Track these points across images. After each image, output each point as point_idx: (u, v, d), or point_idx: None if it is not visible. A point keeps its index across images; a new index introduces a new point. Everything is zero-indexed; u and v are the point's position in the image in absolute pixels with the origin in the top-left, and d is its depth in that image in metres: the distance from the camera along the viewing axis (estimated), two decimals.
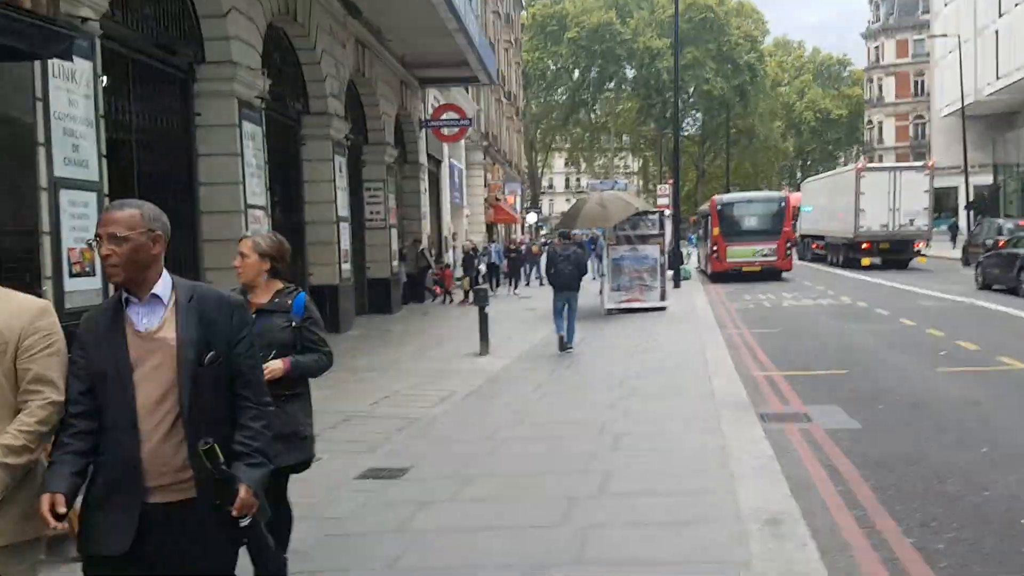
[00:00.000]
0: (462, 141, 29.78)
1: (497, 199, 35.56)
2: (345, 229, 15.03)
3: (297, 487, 5.39)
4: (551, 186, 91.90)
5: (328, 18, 14.28)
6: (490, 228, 34.00)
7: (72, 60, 6.28)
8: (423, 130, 21.96)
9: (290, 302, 3.70)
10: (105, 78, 8.95)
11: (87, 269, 7.11)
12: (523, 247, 30.71)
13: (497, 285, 24.14)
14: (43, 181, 6.57)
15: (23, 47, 5.48)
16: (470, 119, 23.57)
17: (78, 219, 6.99)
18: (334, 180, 14.53)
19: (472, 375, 10.02)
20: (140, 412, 2.39)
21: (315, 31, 13.80)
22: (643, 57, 63.49)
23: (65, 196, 6.83)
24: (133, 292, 2.45)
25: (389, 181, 18.54)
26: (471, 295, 20.74)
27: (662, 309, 16.87)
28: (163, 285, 2.47)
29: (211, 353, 2.43)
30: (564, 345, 11.77)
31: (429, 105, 23.22)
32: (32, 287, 6.33)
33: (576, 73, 67.88)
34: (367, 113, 17.87)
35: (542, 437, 6.83)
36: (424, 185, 22.40)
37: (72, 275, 6.88)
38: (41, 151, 6.55)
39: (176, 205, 10.19)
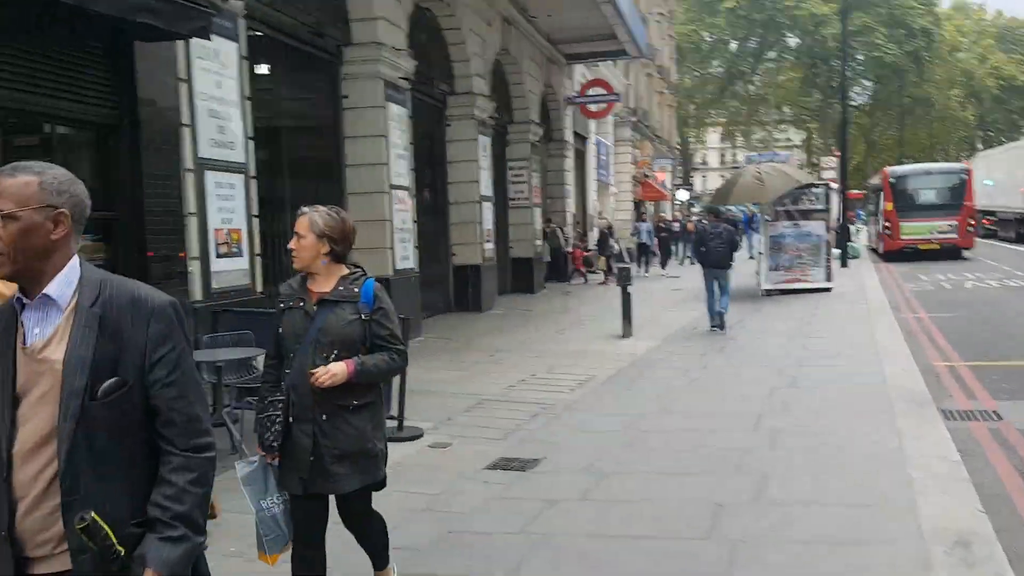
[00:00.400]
0: (609, 117, 29.05)
1: (646, 176, 34.55)
2: (488, 209, 14.90)
3: (423, 475, 5.19)
4: (704, 162, 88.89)
5: None
6: (638, 206, 33.11)
7: (210, 39, 6.30)
8: (569, 107, 21.52)
9: (357, 290, 3.08)
10: (267, 66, 9.16)
11: (234, 249, 7.21)
12: (675, 224, 29.73)
13: (648, 265, 23.25)
14: (188, 162, 6.69)
15: (159, 24, 5.50)
16: (618, 94, 22.87)
17: (224, 200, 7.10)
18: (478, 160, 14.40)
19: (613, 358, 9.56)
20: (15, 459, 1.73)
21: (461, 10, 13.65)
22: (807, 24, 59.89)
23: (211, 177, 6.94)
24: (26, 290, 1.78)
25: (533, 160, 18.27)
26: (611, 274, 20.52)
27: (826, 290, 15.72)
28: (61, 283, 1.76)
29: (110, 381, 1.72)
30: (715, 325, 11.44)
31: (576, 81, 22.72)
32: (176, 269, 6.47)
33: (733, 44, 64.99)
34: (512, 92, 17.63)
35: (688, 429, 6.29)
36: (569, 163, 22.00)
37: (219, 255, 6.99)
38: (186, 132, 6.66)
39: (323, 187, 10.35)
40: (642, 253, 23.25)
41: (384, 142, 10.48)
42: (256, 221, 7.59)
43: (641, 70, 35.77)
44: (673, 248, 26.65)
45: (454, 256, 14.42)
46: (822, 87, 61.80)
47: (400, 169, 11.00)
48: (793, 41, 64.08)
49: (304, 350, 3.01)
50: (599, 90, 21.97)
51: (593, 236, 26.03)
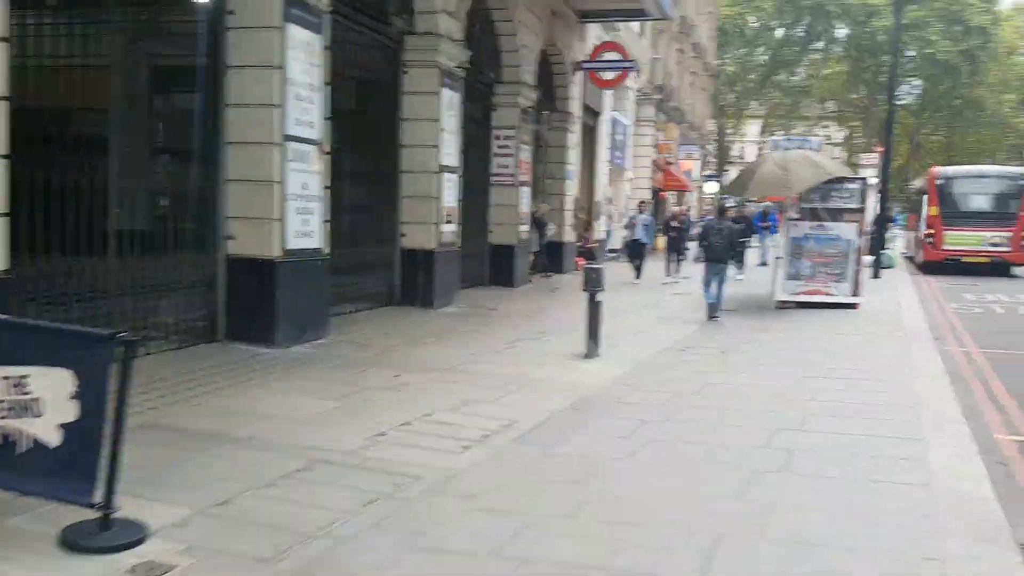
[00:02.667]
0: (631, 93, 26.39)
1: (668, 162, 31.73)
2: (451, 182, 12.28)
3: None
4: (741, 156, 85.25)
5: None
6: (656, 194, 30.23)
7: None
8: (577, 73, 18.80)
9: None
10: None
11: None
12: (686, 219, 26.65)
13: (640, 269, 17.66)
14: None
15: None
16: (633, 61, 20.11)
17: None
18: (440, 119, 11.77)
19: (557, 391, 7.01)
20: None
21: None
22: (858, 15, 56.43)
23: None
24: None
25: (524, 129, 15.62)
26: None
27: (852, 307, 13.15)
28: None
29: None
30: (712, 315, 11.78)
31: (589, 44, 19.97)
32: None
33: (780, 31, 61.61)
34: (501, 44, 14.97)
35: (607, 553, 3.73)
36: (574, 139, 19.29)
37: None
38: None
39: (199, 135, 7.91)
40: (635, 253, 17.91)
41: (279, 75, 7.94)
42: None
43: (672, 43, 32.85)
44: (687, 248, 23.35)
45: (403, 237, 11.88)
46: (869, 82, 58.47)
47: (306, 116, 8.44)
48: (842, 32, 60.69)
49: None
50: (613, 54, 19.22)
51: (599, 225, 23.33)
